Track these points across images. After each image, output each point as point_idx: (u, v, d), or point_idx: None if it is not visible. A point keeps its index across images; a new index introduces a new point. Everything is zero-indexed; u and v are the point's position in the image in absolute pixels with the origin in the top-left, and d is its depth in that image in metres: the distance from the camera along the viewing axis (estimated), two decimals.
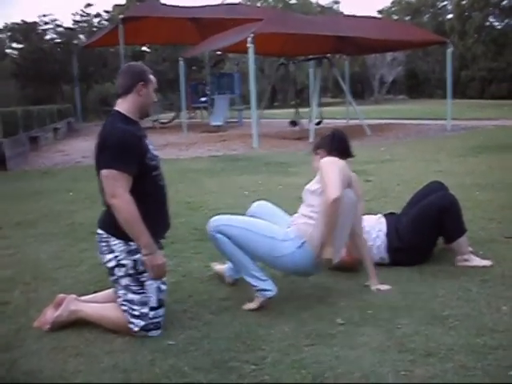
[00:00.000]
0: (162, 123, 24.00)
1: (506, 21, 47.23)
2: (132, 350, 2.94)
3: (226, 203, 6.67)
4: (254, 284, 3.46)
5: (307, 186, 3.67)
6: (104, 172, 3.01)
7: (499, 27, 48.12)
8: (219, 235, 3.47)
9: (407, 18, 58.48)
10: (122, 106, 3.20)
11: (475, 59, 48.10)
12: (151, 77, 3.25)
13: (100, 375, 2.70)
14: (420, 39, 19.05)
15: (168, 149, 14.08)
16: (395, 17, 59.15)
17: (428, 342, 2.87)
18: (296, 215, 3.65)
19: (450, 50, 16.95)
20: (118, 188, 2.98)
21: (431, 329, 3.03)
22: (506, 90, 44.48)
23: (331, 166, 3.51)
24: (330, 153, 3.76)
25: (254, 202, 4.02)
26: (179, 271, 4.21)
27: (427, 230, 4.12)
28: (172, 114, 26.07)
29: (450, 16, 55.32)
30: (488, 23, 48.36)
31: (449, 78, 17.29)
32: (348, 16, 26.02)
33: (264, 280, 3.47)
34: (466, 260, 4.08)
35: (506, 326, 3.01)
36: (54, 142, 18.20)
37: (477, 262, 4.07)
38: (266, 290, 3.45)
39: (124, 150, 3.00)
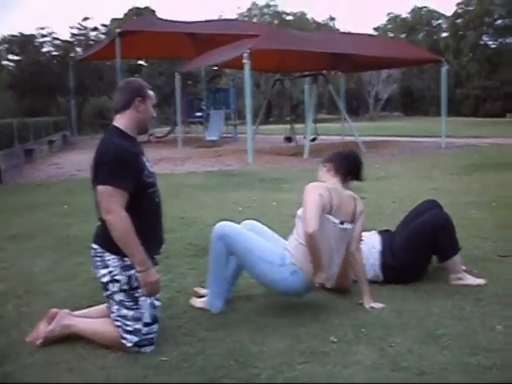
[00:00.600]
0: (158, 137, 24.02)
1: (500, 40, 47.65)
2: (125, 366, 2.92)
3: (221, 219, 6.64)
4: (210, 295, 3.66)
5: (299, 210, 3.68)
6: (100, 188, 3.01)
7: (493, 46, 48.58)
8: (220, 243, 3.59)
9: (402, 36, 58.98)
10: (120, 121, 3.20)
11: (469, 77, 48.48)
12: (149, 92, 3.25)
13: None
14: (415, 57, 19.20)
15: (163, 163, 14.08)
16: (391, 34, 59.62)
17: (421, 361, 2.87)
18: (291, 237, 3.67)
19: (444, 68, 17.08)
20: (113, 204, 2.97)
21: (425, 347, 3.03)
22: (500, 108, 44.80)
23: (312, 195, 3.53)
24: (338, 170, 3.78)
25: (245, 219, 4.05)
26: (173, 287, 4.19)
27: (421, 249, 4.12)
28: (167, 129, 26.10)
29: (444, 34, 55.88)
30: (482, 42, 48.81)
31: (443, 96, 17.39)
32: (344, 33, 26.23)
33: (219, 299, 3.65)
34: (459, 279, 4.08)
35: (500, 346, 3.01)
36: (49, 154, 18.18)
37: (471, 280, 4.08)
38: (214, 305, 3.63)
39: (120, 166, 3.01)
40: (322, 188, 3.59)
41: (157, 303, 3.18)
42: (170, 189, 9.10)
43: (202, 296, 3.84)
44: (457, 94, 47.43)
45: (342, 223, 3.61)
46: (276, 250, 3.61)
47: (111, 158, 3.02)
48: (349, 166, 3.83)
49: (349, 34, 22.27)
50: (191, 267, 4.67)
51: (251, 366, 2.87)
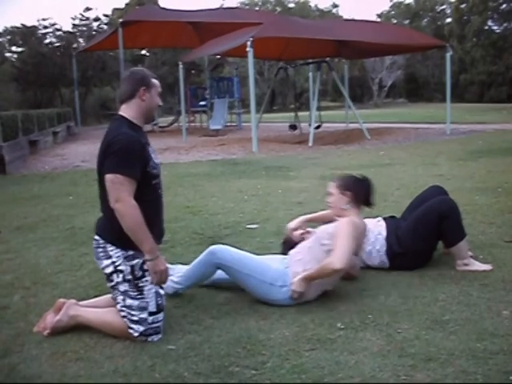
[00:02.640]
0: (162, 127, 24.03)
1: (505, 24, 47.24)
2: (132, 355, 2.93)
3: (226, 207, 6.67)
4: (169, 289, 3.65)
5: (320, 234, 3.64)
6: (109, 176, 3.00)
7: (498, 31, 48.14)
8: (212, 266, 3.64)
9: (406, 22, 58.58)
10: (126, 111, 3.21)
11: (474, 63, 48.14)
12: (154, 81, 3.25)
13: (100, 380, 2.69)
14: (419, 43, 19.07)
15: (167, 153, 14.08)
16: (394, 20, 59.22)
17: (428, 347, 2.87)
18: (293, 252, 3.72)
19: (448, 54, 16.96)
20: (122, 192, 2.98)
21: (432, 333, 3.03)
22: (506, 93, 44.53)
23: (351, 233, 3.49)
24: (357, 201, 3.77)
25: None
26: None
27: (427, 235, 4.11)
28: (171, 118, 26.08)
29: (448, 20, 55.47)
30: (487, 27, 48.38)
31: (448, 82, 17.30)
32: (347, 20, 26.08)
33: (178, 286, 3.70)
34: (465, 264, 4.08)
35: (507, 331, 3.01)
36: (53, 145, 18.21)
37: (477, 266, 4.07)
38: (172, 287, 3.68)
39: (129, 155, 3.01)
40: (360, 225, 3.60)
41: (161, 292, 3.19)
42: (174, 178, 9.12)
43: None
44: (461, 80, 47.19)
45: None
46: (275, 267, 3.64)
47: (120, 147, 3.01)
48: (366, 195, 3.83)
49: (352, 20, 22.13)
50: (197, 255, 4.62)
51: (258, 354, 2.87)
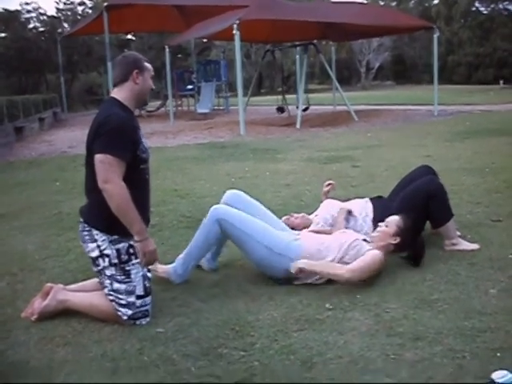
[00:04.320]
0: (149, 111, 23.88)
1: (492, 6, 47.19)
2: (120, 339, 2.92)
3: (214, 190, 6.64)
4: (181, 268, 3.65)
5: (346, 246, 3.61)
6: (99, 157, 2.98)
7: (485, 12, 48.12)
8: (216, 226, 3.58)
9: (393, 4, 58.37)
10: (119, 94, 3.19)
11: (461, 44, 48.16)
12: (146, 64, 3.25)
13: (88, 364, 2.68)
14: (406, 24, 19.02)
15: (155, 137, 14.01)
16: (381, 2, 58.98)
17: (417, 326, 2.88)
18: (307, 232, 3.80)
19: (436, 36, 16.93)
20: (111, 173, 2.96)
21: (420, 312, 3.04)
22: (492, 75, 44.57)
23: (374, 266, 3.51)
24: (399, 249, 3.76)
25: (229, 189, 4.07)
26: (167, 259, 4.15)
27: (415, 216, 4.11)
28: (159, 102, 25.94)
29: (435, 1, 55.32)
30: (474, 8, 48.35)
31: (435, 64, 17.28)
32: (334, 2, 25.94)
33: (184, 272, 3.67)
34: (454, 244, 4.09)
35: (494, 309, 3.02)
36: (39, 132, 18.05)
37: (465, 245, 4.08)
38: (179, 277, 3.65)
39: (120, 135, 3.00)
40: (380, 269, 3.60)
41: (149, 275, 3.18)
42: (162, 162, 9.08)
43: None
44: (449, 62, 47.18)
45: None
46: (281, 235, 3.66)
47: (111, 127, 3.00)
48: (413, 253, 3.82)
49: (339, 3, 21.98)
50: (184, 239, 4.63)
51: (247, 335, 2.87)
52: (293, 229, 4.09)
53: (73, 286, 3.43)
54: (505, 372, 2.30)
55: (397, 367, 2.50)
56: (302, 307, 3.20)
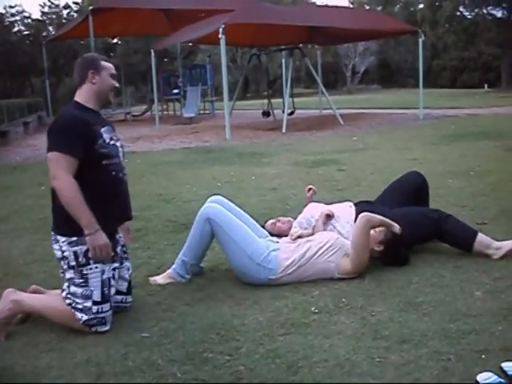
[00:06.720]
0: (135, 116, 23.83)
1: (476, 10, 47.51)
2: (105, 344, 2.90)
3: (199, 195, 6.62)
4: (180, 267, 3.72)
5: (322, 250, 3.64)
6: (48, 155, 3.08)
7: (470, 17, 48.46)
8: (207, 225, 3.64)
9: (379, 8, 58.71)
10: (79, 96, 3.24)
11: (446, 49, 48.56)
12: (104, 63, 3.26)
13: (73, 370, 2.65)
14: (392, 29, 19.14)
15: (141, 141, 13.97)
16: (367, 7, 59.33)
17: (402, 329, 2.88)
18: (285, 241, 3.78)
19: (421, 40, 17.05)
20: (58, 169, 3.01)
21: (405, 315, 3.04)
22: (477, 78, 44.97)
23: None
24: (382, 254, 3.79)
25: (212, 195, 4.08)
26: (153, 263, 4.17)
27: (411, 230, 3.95)
28: (144, 107, 25.88)
29: (421, 6, 55.71)
30: (458, 13, 48.67)
31: (421, 67, 17.40)
32: (320, 6, 26.04)
33: (187, 274, 3.72)
34: (498, 249, 3.87)
35: (479, 311, 3.03)
36: (24, 136, 17.93)
37: (508, 245, 3.86)
38: (181, 276, 3.70)
39: (67, 133, 3.04)
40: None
41: (113, 282, 3.14)
42: (147, 166, 9.05)
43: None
44: (434, 66, 47.55)
45: None
46: (263, 244, 3.67)
47: (57, 126, 3.10)
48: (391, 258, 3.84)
49: (325, 6, 22.07)
50: (170, 243, 4.64)
51: (232, 340, 2.86)
52: (279, 235, 4.07)
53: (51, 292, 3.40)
54: (490, 374, 2.31)
55: (383, 370, 2.50)
56: (288, 311, 3.19)
